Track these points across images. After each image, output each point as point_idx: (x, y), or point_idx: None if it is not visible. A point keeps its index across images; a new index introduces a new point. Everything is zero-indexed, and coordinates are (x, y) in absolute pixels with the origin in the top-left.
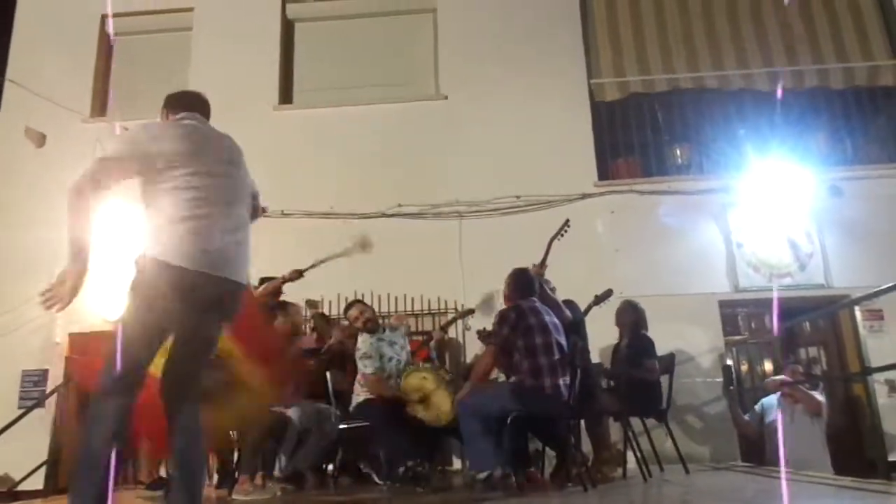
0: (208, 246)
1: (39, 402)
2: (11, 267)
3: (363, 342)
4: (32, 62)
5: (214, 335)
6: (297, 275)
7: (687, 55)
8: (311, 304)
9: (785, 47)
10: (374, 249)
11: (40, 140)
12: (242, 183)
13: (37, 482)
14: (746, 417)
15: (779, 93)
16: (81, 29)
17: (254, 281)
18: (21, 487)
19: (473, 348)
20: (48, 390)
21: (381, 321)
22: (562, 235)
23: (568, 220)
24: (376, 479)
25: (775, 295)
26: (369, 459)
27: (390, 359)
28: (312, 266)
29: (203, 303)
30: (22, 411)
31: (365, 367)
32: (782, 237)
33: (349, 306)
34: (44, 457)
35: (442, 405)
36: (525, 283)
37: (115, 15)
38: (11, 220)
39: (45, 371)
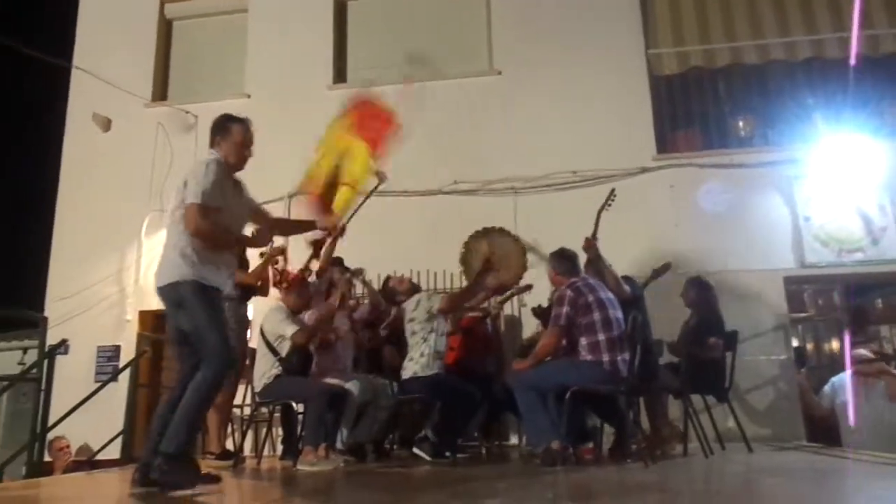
0: None
1: (113, 377)
2: (84, 248)
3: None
4: (97, 50)
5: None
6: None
7: (751, 21)
8: (358, 272)
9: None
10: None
11: (106, 125)
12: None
13: (113, 452)
14: (816, 398)
15: (852, 59)
16: (142, 15)
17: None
18: (99, 457)
19: (530, 325)
20: (121, 365)
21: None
22: (609, 205)
23: (614, 190)
24: (426, 457)
25: (845, 270)
26: (419, 440)
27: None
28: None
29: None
30: (98, 385)
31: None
32: (853, 210)
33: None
34: (119, 427)
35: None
36: (570, 261)
37: None
38: (83, 202)
39: (118, 347)
